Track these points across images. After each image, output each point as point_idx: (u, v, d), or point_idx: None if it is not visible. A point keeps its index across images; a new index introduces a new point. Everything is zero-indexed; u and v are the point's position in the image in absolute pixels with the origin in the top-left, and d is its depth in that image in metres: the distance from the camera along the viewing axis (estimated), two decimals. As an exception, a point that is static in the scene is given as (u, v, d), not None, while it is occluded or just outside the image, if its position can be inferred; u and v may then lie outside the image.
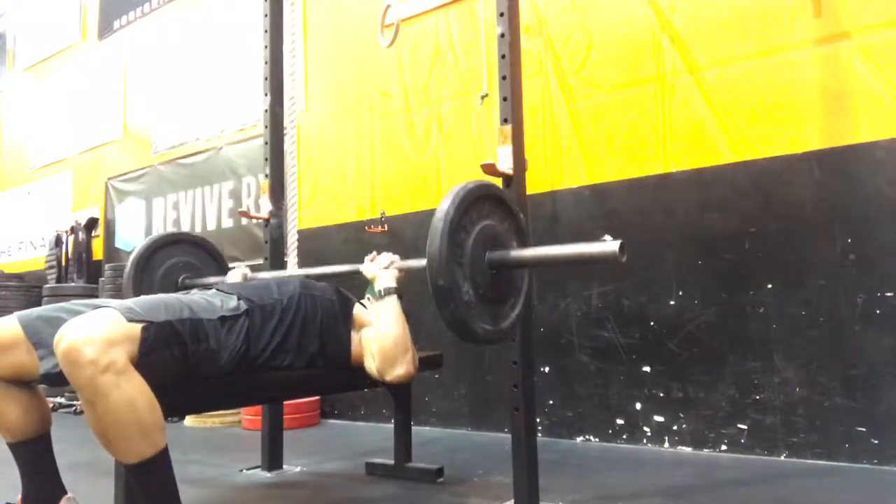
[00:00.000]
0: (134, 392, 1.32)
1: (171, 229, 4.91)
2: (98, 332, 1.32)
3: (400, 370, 1.80)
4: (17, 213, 6.52)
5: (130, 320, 1.41)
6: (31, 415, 1.60)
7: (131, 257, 2.46)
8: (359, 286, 2.09)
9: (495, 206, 1.68)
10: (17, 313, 1.56)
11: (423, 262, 1.73)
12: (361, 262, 2.04)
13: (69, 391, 4.46)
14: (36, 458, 1.61)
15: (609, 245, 1.48)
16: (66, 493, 1.63)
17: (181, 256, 2.59)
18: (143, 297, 1.56)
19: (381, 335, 1.82)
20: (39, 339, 1.50)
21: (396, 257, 2.00)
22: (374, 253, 2.05)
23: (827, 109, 2.49)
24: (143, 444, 1.34)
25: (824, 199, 2.47)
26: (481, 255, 1.58)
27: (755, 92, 2.63)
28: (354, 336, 1.93)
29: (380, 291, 1.89)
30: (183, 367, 1.53)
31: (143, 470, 1.35)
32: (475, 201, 1.59)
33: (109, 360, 1.30)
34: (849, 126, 2.44)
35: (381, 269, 1.95)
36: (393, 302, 1.86)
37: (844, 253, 2.41)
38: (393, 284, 1.90)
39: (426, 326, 3.40)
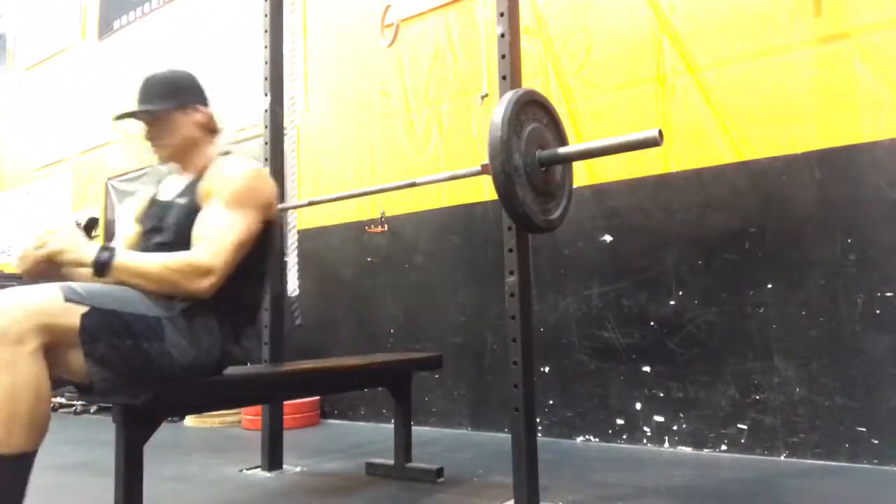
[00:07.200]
0: (23, 381, 1.22)
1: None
2: (20, 307, 1.23)
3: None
4: (18, 213, 6.52)
5: (68, 300, 1.31)
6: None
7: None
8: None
9: (543, 113, 1.89)
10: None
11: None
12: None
13: (70, 391, 4.46)
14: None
15: (648, 133, 1.59)
16: None
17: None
18: (92, 285, 1.41)
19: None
20: None
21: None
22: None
23: (827, 109, 2.49)
24: (4, 436, 1.21)
25: (824, 199, 2.47)
26: (533, 151, 1.78)
27: (755, 92, 2.63)
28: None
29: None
30: (139, 364, 1.41)
31: None
32: (529, 102, 1.81)
33: (17, 336, 1.21)
34: (849, 126, 2.44)
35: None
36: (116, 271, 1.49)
37: (844, 253, 2.41)
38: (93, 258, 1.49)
39: (427, 328, 3.41)
